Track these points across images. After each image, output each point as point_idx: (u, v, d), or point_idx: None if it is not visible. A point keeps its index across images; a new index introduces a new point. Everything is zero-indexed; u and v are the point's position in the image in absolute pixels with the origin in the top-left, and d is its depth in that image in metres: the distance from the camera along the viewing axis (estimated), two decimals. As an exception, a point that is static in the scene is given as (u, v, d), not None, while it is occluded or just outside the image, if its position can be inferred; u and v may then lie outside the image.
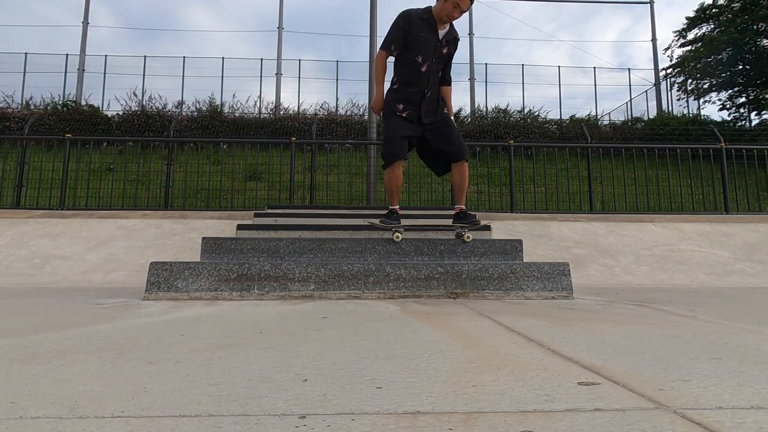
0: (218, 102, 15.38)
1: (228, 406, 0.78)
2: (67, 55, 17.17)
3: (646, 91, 19.33)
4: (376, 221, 3.54)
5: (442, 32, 3.25)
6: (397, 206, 3.56)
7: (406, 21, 3.24)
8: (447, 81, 3.48)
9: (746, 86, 17.14)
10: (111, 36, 29.82)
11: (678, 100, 19.27)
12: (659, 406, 0.78)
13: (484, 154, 9.53)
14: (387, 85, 3.50)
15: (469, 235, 3.42)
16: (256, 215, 4.88)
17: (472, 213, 3.55)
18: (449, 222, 4.86)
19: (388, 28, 3.35)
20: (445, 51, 3.31)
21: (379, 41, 3.45)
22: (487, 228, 3.54)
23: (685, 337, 1.43)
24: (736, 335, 1.46)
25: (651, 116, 17.25)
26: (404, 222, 4.70)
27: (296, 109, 15.47)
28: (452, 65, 3.52)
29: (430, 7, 3.29)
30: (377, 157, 8.12)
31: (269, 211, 5.02)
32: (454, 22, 3.33)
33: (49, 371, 1.00)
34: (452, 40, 3.35)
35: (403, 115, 3.30)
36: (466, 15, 19.18)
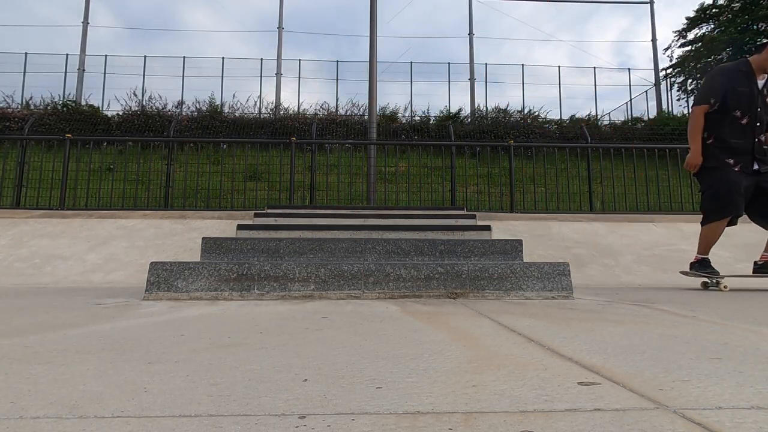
0: (218, 102, 15.38)
1: (228, 406, 0.78)
2: (67, 55, 17.18)
3: (646, 91, 19.34)
4: (689, 271, 3.41)
5: (761, 82, 3.18)
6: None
7: (726, 76, 3.18)
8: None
9: (746, 86, 17.10)
10: (111, 36, 29.82)
11: (678, 100, 19.29)
12: (659, 406, 0.78)
13: (484, 154, 9.54)
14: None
15: None
16: (256, 215, 4.89)
17: None
18: (449, 222, 4.86)
19: (704, 83, 3.31)
20: None
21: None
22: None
23: (685, 337, 1.43)
24: (736, 335, 1.46)
25: (651, 116, 17.25)
26: (404, 222, 4.70)
27: (296, 109, 15.48)
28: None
29: (747, 58, 3.22)
30: (377, 157, 8.11)
31: (269, 211, 5.02)
32: None
33: (49, 371, 1.00)
34: None
35: (735, 169, 3.17)
36: (465, 15, 19.17)
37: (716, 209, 3.25)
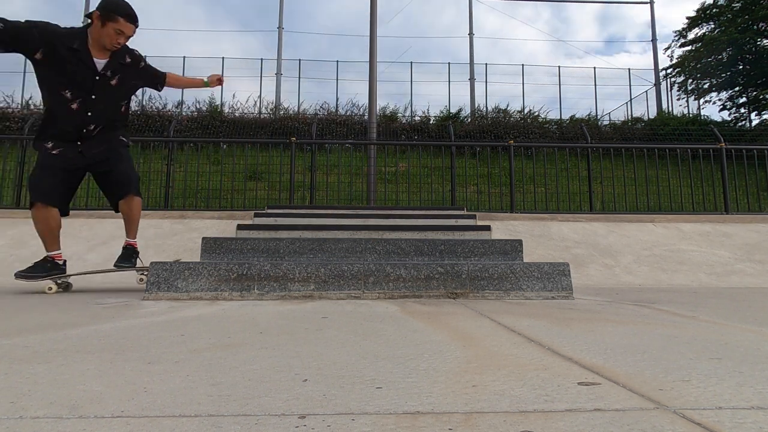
0: (218, 102, 15.39)
1: (228, 406, 0.78)
2: (67, 55, 17.17)
3: (646, 91, 19.35)
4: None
5: (101, 62, 2.81)
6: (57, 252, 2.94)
7: (57, 34, 2.78)
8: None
9: (746, 86, 17.15)
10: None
11: (678, 100, 19.29)
12: (659, 406, 0.78)
13: (484, 154, 9.53)
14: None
15: None
16: (256, 215, 4.89)
17: None
18: (449, 222, 4.87)
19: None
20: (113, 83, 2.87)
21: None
22: None
23: (685, 337, 1.43)
24: (736, 335, 1.46)
25: (651, 116, 17.26)
26: (404, 222, 4.70)
27: (296, 109, 15.49)
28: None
29: (85, 30, 2.75)
30: (377, 157, 8.12)
31: (269, 211, 5.02)
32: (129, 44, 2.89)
33: (49, 371, 1.00)
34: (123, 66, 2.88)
35: (54, 152, 2.82)
36: (465, 14, 19.16)
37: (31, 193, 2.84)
